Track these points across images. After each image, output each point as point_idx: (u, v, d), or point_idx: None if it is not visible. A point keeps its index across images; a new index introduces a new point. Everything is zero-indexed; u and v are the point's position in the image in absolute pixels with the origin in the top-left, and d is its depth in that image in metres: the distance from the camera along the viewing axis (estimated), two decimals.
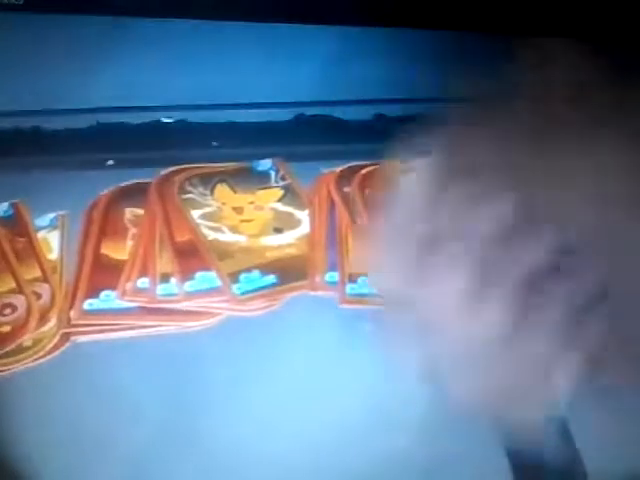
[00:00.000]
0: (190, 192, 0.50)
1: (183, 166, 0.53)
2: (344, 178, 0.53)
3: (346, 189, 0.52)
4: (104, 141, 0.56)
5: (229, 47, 0.55)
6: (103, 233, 0.48)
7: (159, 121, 0.58)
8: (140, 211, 0.49)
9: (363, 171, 0.53)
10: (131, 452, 0.39)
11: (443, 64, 0.55)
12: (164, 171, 0.52)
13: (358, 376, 0.43)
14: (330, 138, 0.58)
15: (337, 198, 0.51)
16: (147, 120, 0.57)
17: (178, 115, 0.58)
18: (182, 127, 0.58)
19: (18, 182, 0.51)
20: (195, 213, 0.49)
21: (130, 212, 0.49)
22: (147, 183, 0.51)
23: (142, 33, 0.54)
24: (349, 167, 0.54)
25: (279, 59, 0.56)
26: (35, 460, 0.38)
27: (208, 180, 0.51)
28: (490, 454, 0.39)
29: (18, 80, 0.54)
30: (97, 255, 0.46)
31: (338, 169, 0.54)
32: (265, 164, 0.53)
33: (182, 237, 0.47)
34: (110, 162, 0.54)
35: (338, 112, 0.58)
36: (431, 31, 0.55)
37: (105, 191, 0.51)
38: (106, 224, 0.48)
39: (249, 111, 0.58)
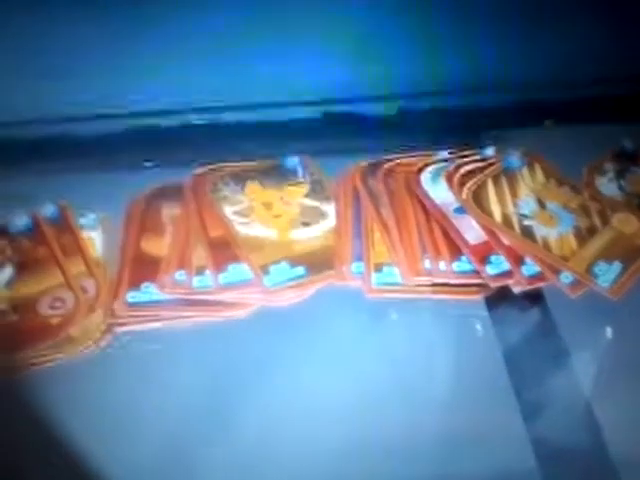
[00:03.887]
0: (222, 190, 0.53)
1: (215, 165, 0.55)
2: (369, 171, 0.55)
3: (371, 182, 0.54)
4: (141, 144, 0.59)
5: (256, 48, 0.57)
6: (143, 230, 0.51)
7: (190, 123, 0.60)
8: (176, 209, 0.52)
9: (387, 165, 0.55)
10: (169, 434, 0.41)
11: (464, 57, 0.57)
12: (198, 171, 0.55)
13: (385, 361, 0.44)
14: (357, 134, 0.60)
15: (362, 191, 0.53)
16: (178, 123, 0.60)
17: (208, 117, 0.60)
18: (212, 128, 0.60)
19: (63, 185, 0.54)
20: (228, 209, 0.51)
21: (167, 210, 0.52)
22: (182, 183, 0.54)
23: (169, 35, 0.56)
24: (374, 161, 0.56)
25: (305, 57, 0.58)
26: (81, 443, 0.40)
27: (239, 177, 0.54)
28: (511, 431, 0.41)
29: (54, 89, 0.57)
30: (137, 251, 0.49)
31: (363, 163, 0.55)
32: (293, 160, 0.55)
33: (216, 232, 0.49)
34: (148, 164, 0.57)
35: (364, 108, 0.60)
36: (452, 25, 0.56)
37: (143, 192, 0.53)
38: (145, 222, 0.51)
39: (277, 110, 0.60)
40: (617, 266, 0.47)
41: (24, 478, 0.40)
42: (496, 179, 0.53)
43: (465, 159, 0.56)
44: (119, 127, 0.59)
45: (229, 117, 0.60)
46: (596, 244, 0.49)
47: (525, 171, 0.54)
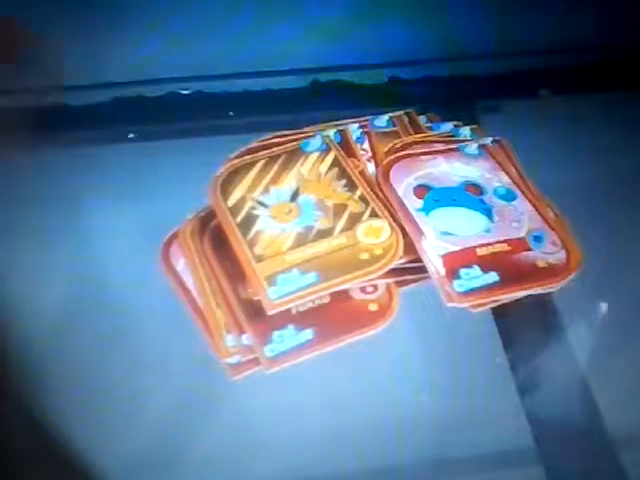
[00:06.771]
0: None
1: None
2: None
3: None
4: (124, 115, 0.57)
5: (241, 16, 0.56)
6: None
7: (176, 93, 0.59)
8: None
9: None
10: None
11: (455, 25, 0.56)
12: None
13: (380, 344, 0.43)
14: (346, 103, 0.58)
15: None
16: (164, 92, 0.58)
17: (194, 86, 0.59)
18: (199, 98, 0.58)
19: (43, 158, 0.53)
20: None
21: None
22: None
23: (154, 5, 0.55)
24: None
25: (292, 25, 0.56)
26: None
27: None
28: (509, 410, 0.41)
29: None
30: None
31: None
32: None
33: None
34: (131, 135, 0.56)
35: (353, 76, 0.59)
36: None
37: None
38: None
39: (264, 79, 0.59)
40: (310, 277, 0.40)
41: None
42: (276, 159, 0.47)
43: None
44: (102, 98, 0.58)
45: (215, 87, 0.59)
46: (310, 250, 0.42)
47: (320, 155, 0.47)
